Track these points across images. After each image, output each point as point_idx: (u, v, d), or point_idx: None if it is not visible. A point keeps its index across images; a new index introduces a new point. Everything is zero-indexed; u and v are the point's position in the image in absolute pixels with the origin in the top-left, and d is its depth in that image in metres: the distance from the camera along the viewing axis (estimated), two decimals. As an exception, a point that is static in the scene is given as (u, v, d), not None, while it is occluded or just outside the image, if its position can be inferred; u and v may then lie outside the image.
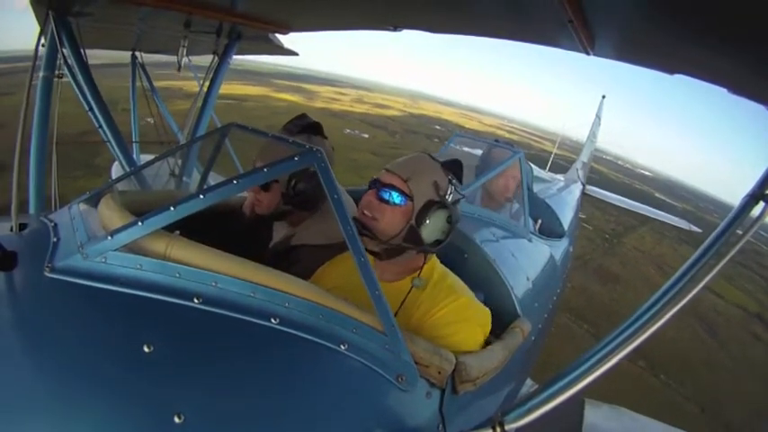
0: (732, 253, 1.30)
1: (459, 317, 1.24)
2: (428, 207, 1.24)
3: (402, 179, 1.26)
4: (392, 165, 1.31)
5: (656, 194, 45.76)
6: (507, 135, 47.70)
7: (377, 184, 1.29)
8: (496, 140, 2.85)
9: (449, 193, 1.29)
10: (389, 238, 1.25)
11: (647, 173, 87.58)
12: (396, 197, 1.25)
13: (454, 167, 1.35)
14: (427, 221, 1.24)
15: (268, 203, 1.58)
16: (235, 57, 3.49)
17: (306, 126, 1.61)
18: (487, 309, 1.32)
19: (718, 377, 9.64)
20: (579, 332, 9.20)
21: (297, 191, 1.52)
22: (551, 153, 7.85)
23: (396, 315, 1.19)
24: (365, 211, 1.27)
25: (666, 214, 8.23)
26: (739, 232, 1.42)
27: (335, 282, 1.29)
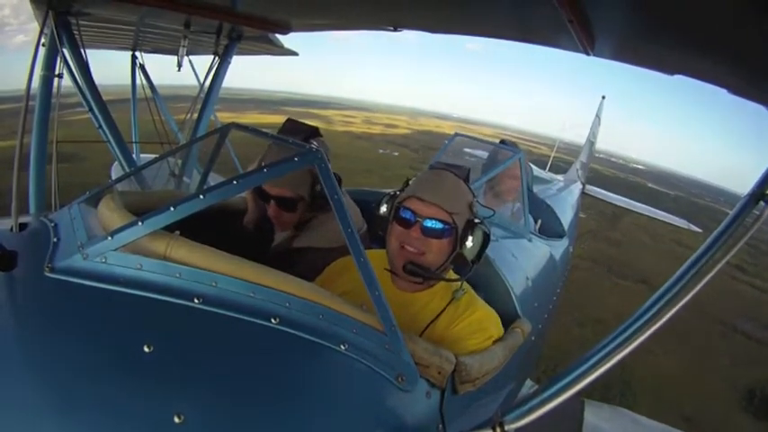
0: (732, 252, 1.30)
1: (476, 328, 1.27)
2: (467, 229, 1.26)
3: (446, 211, 1.22)
4: (426, 193, 1.23)
5: (649, 185, 46.81)
6: (507, 143, 48.53)
7: (415, 217, 1.22)
8: (503, 141, 2.85)
9: (475, 207, 1.30)
10: (437, 268, 1.26)
11: (640, 166, 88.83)
12: (443, 230, 1.23)
13: (466, 176, 1.33)
14: (468, 243, 1.25)
15: (290, 220, 1.56)
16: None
17: (305, 133, 1.56)
18: (499, 319, 1.35)
19: (701, 297, 11.59)
20: (598, 269, 13.57)
21: (323, 194, 1.50)
22: (550, 156, 7.91)
23: (429, 326, 1.24)
24: (409, 247, 1.23)
25: (667, 214, 8.26)
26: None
27: (349, 285, 1.24)
